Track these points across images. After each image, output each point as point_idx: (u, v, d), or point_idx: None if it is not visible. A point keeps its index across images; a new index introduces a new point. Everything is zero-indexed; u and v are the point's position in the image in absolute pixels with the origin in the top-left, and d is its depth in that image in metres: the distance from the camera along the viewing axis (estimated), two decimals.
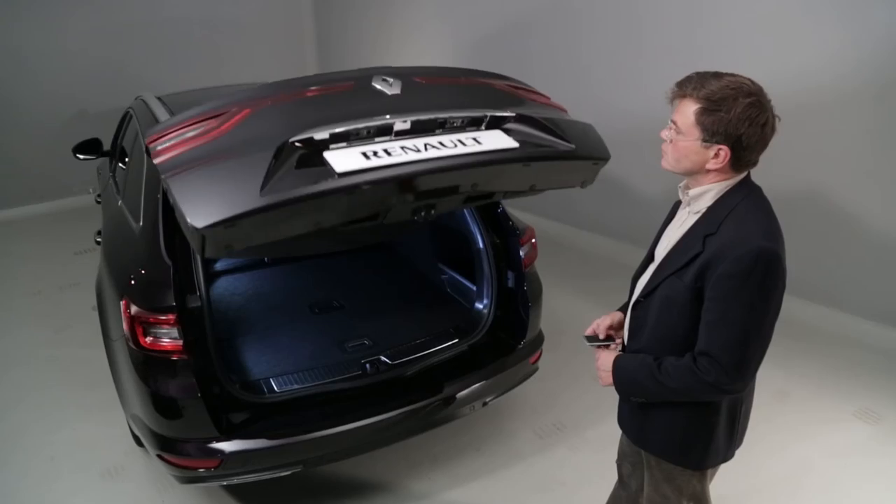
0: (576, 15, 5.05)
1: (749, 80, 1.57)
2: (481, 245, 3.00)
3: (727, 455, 1.84)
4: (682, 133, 1.60)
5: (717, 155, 1.58)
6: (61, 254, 5.72)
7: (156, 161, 1.91)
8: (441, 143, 1.99)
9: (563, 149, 2.15)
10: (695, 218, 1.69)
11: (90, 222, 4.61)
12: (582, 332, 2.00)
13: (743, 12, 4.15)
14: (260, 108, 2.05)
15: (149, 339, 2.34)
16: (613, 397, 1.92)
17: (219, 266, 3.88)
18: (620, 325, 1.95)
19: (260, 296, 3.65)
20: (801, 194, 4.16)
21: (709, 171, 1.63)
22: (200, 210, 1.73)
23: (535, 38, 5.46)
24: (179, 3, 7.22)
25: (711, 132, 1.55)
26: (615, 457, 2.20)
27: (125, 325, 2.36)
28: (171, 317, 2.31)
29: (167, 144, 1.95)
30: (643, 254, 1.92)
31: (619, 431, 2.03)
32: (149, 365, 2.38)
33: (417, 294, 3.58)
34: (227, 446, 2.41)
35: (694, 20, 4.43)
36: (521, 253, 2.96)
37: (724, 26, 4.28)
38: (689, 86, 1.58)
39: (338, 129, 1.89)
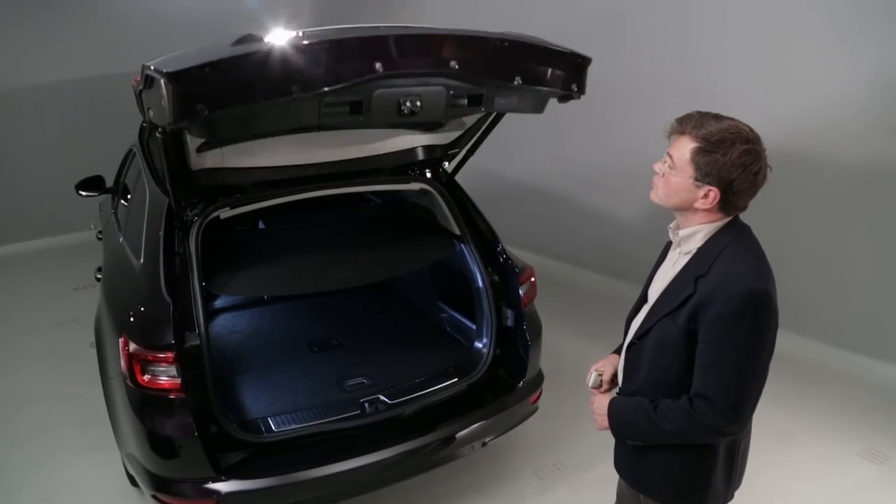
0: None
1: (748, 127, 1.58)
2: (481, 284, 3.00)
3: (727, 497, 1.82)
4: (675, 168, 1.62)
5: (706, 195, 1.59)
6: (61, 290, 5.70)
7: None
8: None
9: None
10: (686, 258, 1.70)
11: (90, 258, 4.62)
12: (581, 371, 2.00)
13: (739, 50, 4.24)
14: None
15: (147, 377, 2.32)
16: (613, 438, 1.91)
17: (218, 304, 3.87)
18: None
19: (259, 334, 3.64)
20: (799, 230, 4.19)
21: (697, 210, 1.64)
22: (171, 66, 1.73)
23: None
24: (183, 45, 7.33)
25: (704, 172, 1.57)
26: (615, 498, 2.17)
27: (123, 363, 2.35)
28: (170, 355, 2.30)
29: None
30: (634, 290, 1.93)
31: None
32: (146, 403, 2.36)
33: (417, 333, 3.57)
34: (223, 486, 2.37)
35: (690, 59, 4.51)
36: (520, 292, 2.96)
37: (723, 64, 4.36)
38: (689, 124, 1.60)
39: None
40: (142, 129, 2.29)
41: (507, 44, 2.13)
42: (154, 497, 2.43)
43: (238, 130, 2.00)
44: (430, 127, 3.02)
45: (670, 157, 1.64)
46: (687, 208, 1.65)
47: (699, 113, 1.62)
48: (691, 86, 4.50)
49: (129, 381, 2.35)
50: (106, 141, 6.72)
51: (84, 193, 4.40)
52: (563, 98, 2.46)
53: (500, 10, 5.12)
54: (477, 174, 4.67)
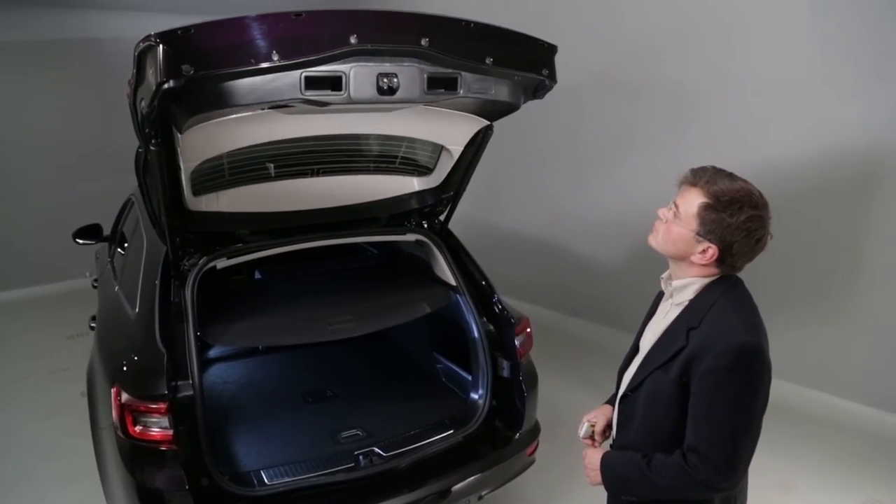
0: (578, 104, 5.24)
1: (759, 192, 1.58)
2: (476, 334, 2.99)
3: None
4: (679, 219, 1.63)
5: (704, 251, 1.60)
6: (54, 337, 5.66)
7: None
8: None
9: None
10: (678, 310, 1.70)
11: (85, 306, 4.60)
12: (579, 422, 1.98)
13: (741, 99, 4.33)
14: None
15: (138, 429, 2.29)
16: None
17: (212, 353, 3.84)
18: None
19: (253, 384, 3.60)
20: (797, 279, 4.21)
21: (693, 263, 1.65)
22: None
23: (535, 120, 5.65)
24: None
25: (708, 229, 1.58)
26: None
27: (115, 414, 2.32)
28: (163, 405, 2.27)
29: None
30: (627, 339, 1.93)
31: None
32: (136, 455, 2.32)
33: (412, 384, 3.54)
34: None
35: (678, 111, 4.60)
36: (516, 342, 2.95)
37: (716, 117, 4.45)
38: (703, 178, 1.60)
39: None
40: (137, 158, 2.30)
41: (472, 25, 2.18)
42: None
43: (222, 99, 2.04)
44: (423, 172, 3.07)
45: (676, 206, 1.65)
46: (683, 259, 1.67)
47: (714, 168, 1.63)
48: (678, 138, 4.59)
49: (119, 433, 2.31)
50: (104, 190, 6.80)
51: (81, 241, 4.40)
52: (539, 90, 2.49)
53: None
54: (471, 225, 4.72)
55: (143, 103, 1.95)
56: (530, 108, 2.68)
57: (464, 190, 3.12)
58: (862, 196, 3.82)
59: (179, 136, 2.17)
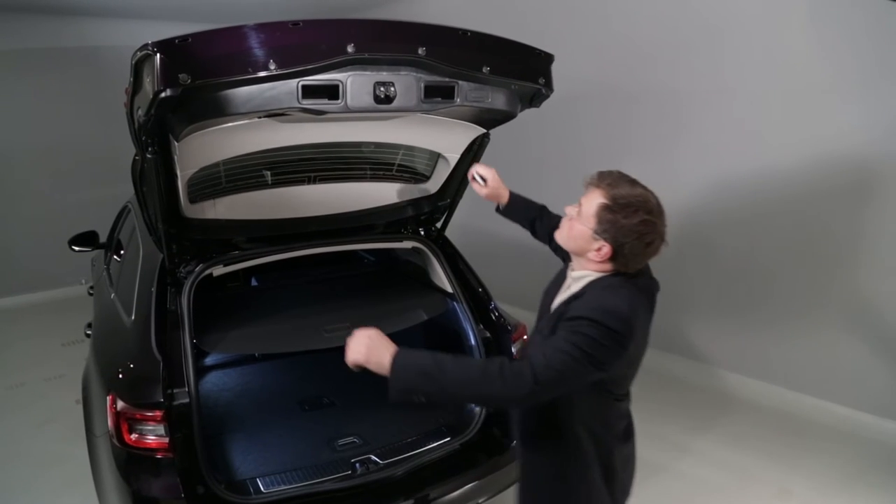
0: (574, 112, 5.26)
1: (657, 200, 1.69)
2: (473, 342, 2.99)
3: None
4: (581, 216, 1.73)
5: (599, 249, 1.70)
6: (49, 345, 5.65)
7: None
8: None
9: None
10: (570, 294, 1.80)
11: (81, 314, 4.59)
12: None
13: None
14: None
15: (134, 437, 2.28)
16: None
17: (209, 361, 3.83)
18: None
19: (249, 391, 3.59)
20: (796, 285, 4.22)
21: (590, 259, 1.74)
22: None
23: (531, 127, 5.67)
24: None
25: (603, 228, 1.67)
26: None
27: (110, 421, 2.31)
28: (159, 413, 2.26)
29: None
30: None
31: None
32: (132, 463, 2.31)
33: None
34: None
35: (679, 123, 4.62)
36: (513, 349, 2.95)
37: (708, 124, 4.47)
38: (606, 180, 1.71)
39: None
40: (134, 165, 2.29)
41: (469, 34, 2.19)
42: None
43: (219, 108, 2.03)
44: (419, 179, 3.08)
45: (580, 205, 1.75)
46: (581, 255, 1.78)
47: (619, 173, 1.73)
48: (672, 145, 4.61)
49: (115, 440, 2.30)
50: (100, 197, 6.81)
51: (77, 248, 4.40)
52: (535, 98, 2.51)
53: None
54: (467, 232, 4.72)
55: (139, 112, 1.95)
56: (526, 115, 2.70)
57: (460, 197, 3.13)
58: (858, 204, 3.83)
59: (176, 144, 2.18)
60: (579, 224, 1.73)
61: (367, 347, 1.72)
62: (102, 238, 4.46)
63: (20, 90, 6.72)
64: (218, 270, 2.75)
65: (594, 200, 1.70)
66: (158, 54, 1.75)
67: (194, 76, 1.81)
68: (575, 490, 1.86)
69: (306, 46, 1.96)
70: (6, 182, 6.77)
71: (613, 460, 1.86)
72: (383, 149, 2.87)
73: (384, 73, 2.12)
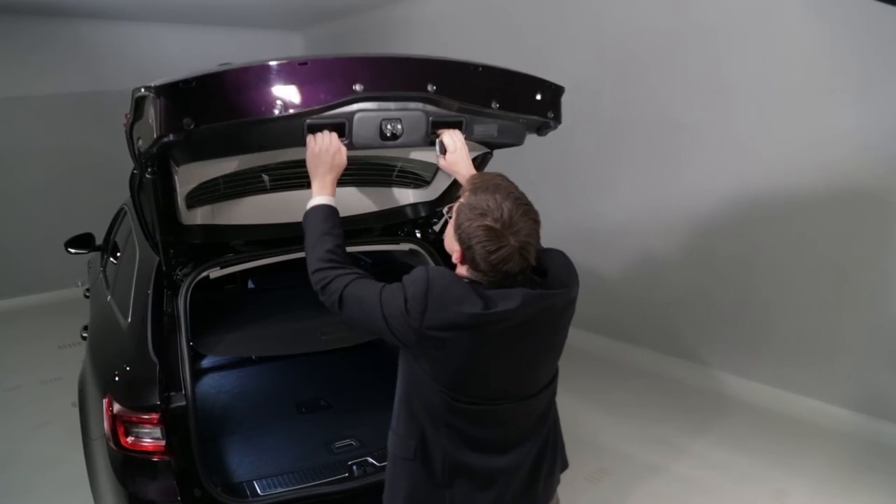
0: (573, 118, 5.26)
1: (512, 212, 1.60)
2: None
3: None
4: (451, 219, 1.72)
5: (458, 251, 1.68)
6: (45, 347, 5.63)
7: None
8: None
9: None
10: None
11: (77, 316, 4.57)
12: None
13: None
14: None
15: (130, 439, 2.27)
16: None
17: (205, 363, 3.82)
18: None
19: (246, 394, 3.59)
20: (795, 290, 4.23)
21: (455, 261, 1.73)
22: (159, 83, 1.76)
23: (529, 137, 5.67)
24: None
25: (458, 230, 1.65)
26: None
27: (106, 424, 2.30)
28: (155, 416, 2.25)
29: None
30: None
31: None
32: (128, 466, 2.30)
33: None
34: None
35: (676, 130, 4.63)
36: None
37: (706, 122, 4.47)
38: (474, 182, 1.70)
39: None
40: (132, 178, 2.28)
41: (481, 69, 2.17)
42: None
43: (223, 149, 2.01)
44: (419, 184, 3.07)
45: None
46: (451, 256, 1.76)
47: (490, 177, 1.71)
48: (669, 153, 4.61)
49: (111, 443, 2.30)
50: (96, 199, 6.80)
51: (73, 251, 4.38)
52: (542, 129, 2.50)
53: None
54: None
55: (140, 142, 1.92)
56: None
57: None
58: (854, 207, 3.83)
59: (177, 167, 2.17)
60: (451, 225, 1.73)
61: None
62: (99, 240, 4.44)
63: (19, 92, 6.70)
64: (214, 273, 2.74)
65: (460, 202, 1.70)
66: (161, 98, 1.72)
67: (198, 121, 1.77)
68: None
69: (313, 87, 1.92)
70: (2, 184, 6.76)
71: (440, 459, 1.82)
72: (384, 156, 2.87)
73: (392, 110, 2.11)
